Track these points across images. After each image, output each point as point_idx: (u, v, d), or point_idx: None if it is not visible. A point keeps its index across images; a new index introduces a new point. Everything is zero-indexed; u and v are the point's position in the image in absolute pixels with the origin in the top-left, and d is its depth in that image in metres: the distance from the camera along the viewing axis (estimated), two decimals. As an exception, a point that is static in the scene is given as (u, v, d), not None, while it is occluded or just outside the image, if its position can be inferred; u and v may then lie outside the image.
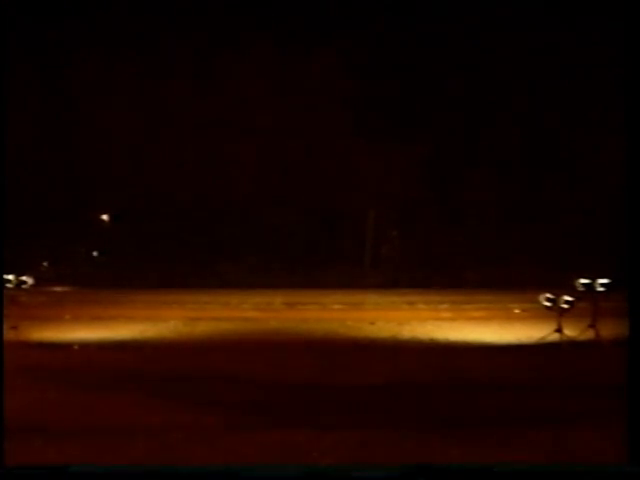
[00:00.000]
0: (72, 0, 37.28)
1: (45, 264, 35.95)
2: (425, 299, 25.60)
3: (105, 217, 40.43)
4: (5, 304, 14.76)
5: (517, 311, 21.59)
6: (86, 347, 14.87)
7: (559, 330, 15.31)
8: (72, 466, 6.78)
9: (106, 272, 36.15)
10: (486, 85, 38.63)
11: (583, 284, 15.69)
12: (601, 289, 15.60)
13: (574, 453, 7.95)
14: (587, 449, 8.06)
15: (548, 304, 15.57)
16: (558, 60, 38.23)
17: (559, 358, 14.11)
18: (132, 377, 12.01)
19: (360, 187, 39.80)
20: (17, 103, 33.05)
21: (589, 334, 15.35)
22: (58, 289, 30.30)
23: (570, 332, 15.32)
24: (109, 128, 39.03)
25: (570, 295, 15.43)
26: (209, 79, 40.17)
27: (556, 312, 15.44)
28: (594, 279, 15.66)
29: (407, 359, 13.97)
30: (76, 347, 14.89)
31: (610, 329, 14.85)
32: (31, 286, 16.21)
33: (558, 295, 15.43)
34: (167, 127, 39.46)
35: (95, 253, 39.43)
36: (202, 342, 16.04)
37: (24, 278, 15.98)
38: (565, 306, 15.33)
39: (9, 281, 15.63)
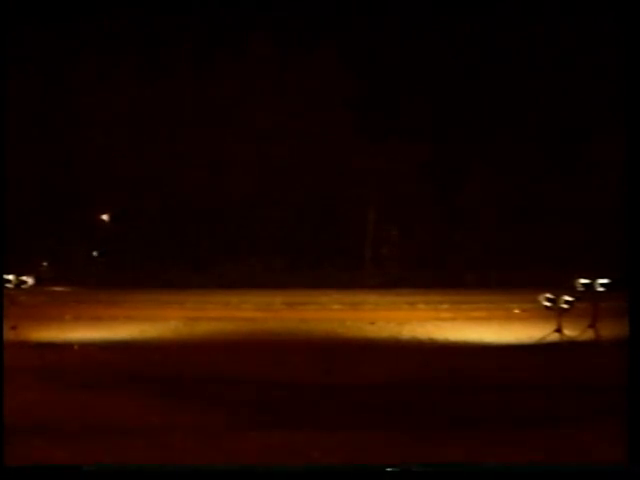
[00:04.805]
0: (72, 0, 37.29)
1: (45, 264, 35.94)
2: (425, 299, 25.61)
3: (105, 217, 40.43)
4: (5, 304, 14.77)
5: (517, 311, 21.60)
6: (86, 347, 14.86)
7: (559, 330, 15.31)
8: (70, 466, 6.78)
9: (106, 272, 36.16)
10: (486, 85, 38.64)
11: (583, 284, 15.69)
12: (601, 289, 15.60)
13: (574, 453, 7.95)
14: (587, 449, 8.06)
15: (548, 304, 15.57)
16: (558, 60, 38.25)
17: (559, 358, 14.11)
18: (132, 377, 12.00)
19: (360, 187, 39.80)
20: (17, 103, 33.05)
21: (589, 334, 15.35)
22: (58, 289, 30.30)
23: (570, 332, 15.33)
24: (109, 128, 39.05)
25: (570, 295, 15.43)
26: (209, 79, 40.17)
27: (556, 312, 15.44)
28: (594, 279, 15.66)
29: (407, 359, 13.97)
30: (76, 347, 14.89)
31: (610, 329, 14.85)
32: (31, 286, 16.21)
33: (558, 295, 15.43)
34: (167, 127, 39.46)
35: (95, 253, 39.43)
36: (202, 342, 16.05)
37: (24, 278, 15.98)
38: (565, 306, 15.34)
39: (9, 281, 15.63)
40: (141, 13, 37.74)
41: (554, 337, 15.26)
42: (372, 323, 19.18)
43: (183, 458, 7.84)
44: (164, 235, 38.57)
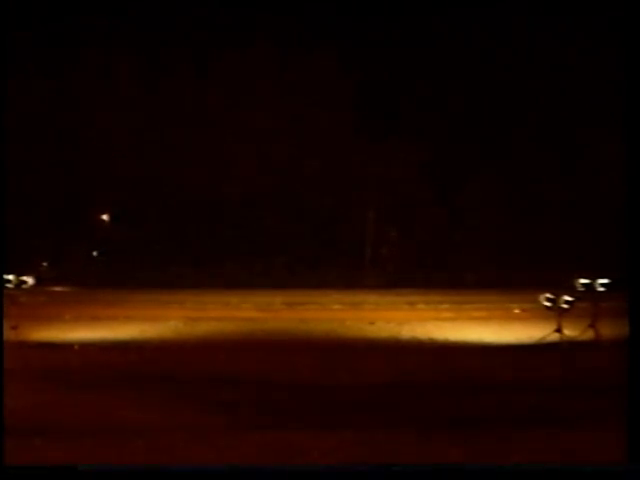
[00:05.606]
0: (73, 1, 37.31)
1: (45, 264, 35.95)
2: (425, 299, 25.61)
3: (105, 217, 40.44)
4: (5, 304, 14.78)
5: (517, 311, 21.60)
6: (86, 347, 14.87)
7: (559, 330, 15.30)
8: (70, 466, 6.78)
9: (106, 272, 36.16)
10: (486, 86, 38.65)
11: (583, 284, 15.68)
12: (601, 289, 15.59)
13: (574, 453, 7.95)
14: (587, 449, 8.06)
15: (548, 304, 15.56)
16: (558, 60, 38.26)
17: (559, 358, 14.10)
18: (132, 377, 12.01)
19: (360, 187, 39.80)
20: (18, 103, 33.07)
21: (589, 334, 15.35)
22: (58, 289, 30.31)
23: (570, 332, 15.32)
24: (109, 128, 39.05)
25: (570, 295, 15.42)
26: (209, 79, 40.18)
27: (556, 312, 15.43)
28: (594, 279, 15.65)
29: (407, 359, 13.97)
30: (76, 347, 14.89)
31: (610, 329, 14.85)
32: (31, 286, 16.20)
33: (558, 295, 15.42)
34: (167, 127, 39.46)
35: (95, 253, 39.44)
36: (202, 342, 16.04)
37: (24, 278, 15.97)
38: (565, 306, 15.32)
39: (9, 281, 15.63)
40: (141, 13, 37.75)
41: (554, 337, 15.25)
42: (372, 323, 19.18)
43: (183, 458, 7.84)
44: (164, 235, 38.57)
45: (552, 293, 15.57)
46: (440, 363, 13.49)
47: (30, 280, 16.14)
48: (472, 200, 39.89)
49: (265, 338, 16.81)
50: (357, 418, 9.48)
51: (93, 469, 6.81)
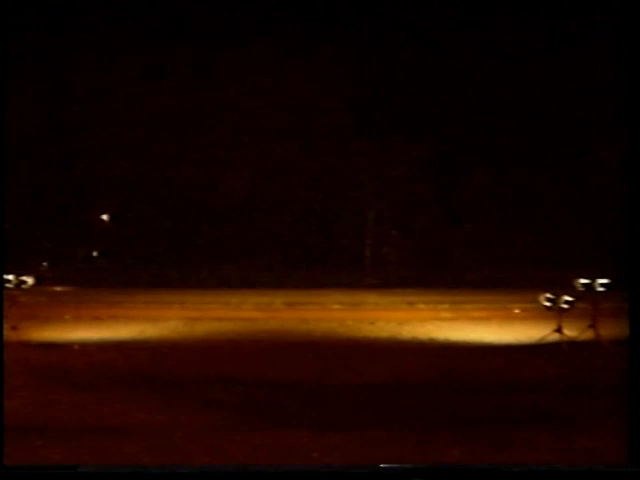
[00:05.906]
0: (72, 1, 37.31)
1: (45, 264, 35.93)
2: (425, 299, 25.58)
3: (105, 217, 40.43)
4: (5, 304, 14.77)
5: (517, 311, 21.58)
6: (86, 347, 14.86)
7: (559, 330, 15.30)
8: (70, 466, 6.78)
9: (106, 272, 36.14)
10: (486, 84, 38.64)
11: (583, 284, 15.68)
12: (601, 289, 15.59)
13: (574, 453, 7.95)
14: (587, 449, 8.06)
15: (548, 304, 15.56)
16: (558, 58, 38.25)
17: (559, 358, 14.11)
18: (132, 377, 12.01)
19: (360, 187, 39.79)
20: (17, 103, 33.04)
21: (589, 334, 15.35)
22: (58, 289, 30.29)
23: (570, 332, 15.32)
24: (109, 128, 39.04)
25: (570, 295, 15.42)
26: (209, 79, 40.17)
27: (556, 312, 15.43)
28: (594, 279, 15.65)
29: (407, 359, 13.97)
30: (76, 347, 14.88)
31: (610, 329, 14.85)
32: (31, 286, 16.19)
33: (558, 295, 15.42)
34: (167, 127, 39.45)
35: (95, 253, 39.43)
36: (202, 342, 16.04)
37: (24, 278, 15.95)
38: (565, 306, 15.32)
39: (9, 281, 15.62)
40: (140, 13, 37.74)
41: (554, 337, 15.25)
42: (372, 323, 19.17)
43: (183, 458, 7.84)
44: (164, 235, 38.56)
45: (552, 293, 15.57)
46: (440, 363, 13.49)
47: (30, 280, 16.12)
48: (472, 200, 39.88)
49: (265, 338, 16.80)
50: (357, 418, 9.48)
51: (93, 469, 6.81)
